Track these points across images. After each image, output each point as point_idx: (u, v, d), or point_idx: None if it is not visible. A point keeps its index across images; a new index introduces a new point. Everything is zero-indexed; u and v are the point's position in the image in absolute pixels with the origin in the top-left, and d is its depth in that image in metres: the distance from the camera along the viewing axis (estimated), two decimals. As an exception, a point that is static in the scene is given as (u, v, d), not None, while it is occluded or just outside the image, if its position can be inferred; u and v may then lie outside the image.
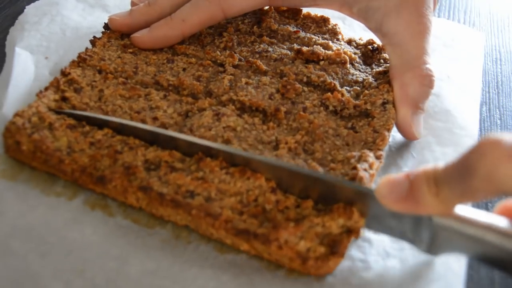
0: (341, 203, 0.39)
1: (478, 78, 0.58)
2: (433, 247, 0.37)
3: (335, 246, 0.38)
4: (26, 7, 0.62)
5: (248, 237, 0.38)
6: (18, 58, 0.54)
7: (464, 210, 0.36)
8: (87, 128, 0.45)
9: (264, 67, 0.52)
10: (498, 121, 0.56)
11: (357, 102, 0.49)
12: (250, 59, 0.53)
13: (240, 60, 0.53)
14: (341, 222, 0.39)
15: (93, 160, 0.43)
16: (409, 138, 0.49)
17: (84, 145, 0.44)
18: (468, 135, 0.50)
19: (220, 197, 0.40)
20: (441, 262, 0.39)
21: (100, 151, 0.43)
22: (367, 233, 0.42)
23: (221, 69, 0.52)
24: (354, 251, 0.41)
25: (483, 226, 0.35)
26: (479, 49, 0.61)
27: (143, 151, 0.43)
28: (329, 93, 0.49)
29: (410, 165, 0.47)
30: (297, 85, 0.50)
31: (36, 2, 0.63)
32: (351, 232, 0.38)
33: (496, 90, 0.60)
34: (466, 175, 0.32)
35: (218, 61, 0.53)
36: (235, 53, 0.54)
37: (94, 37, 0.55)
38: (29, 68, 0.54)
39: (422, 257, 0.40)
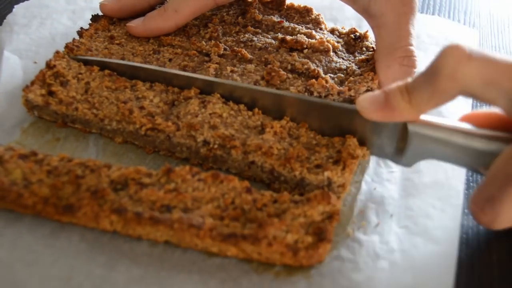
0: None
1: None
2: (407, 156, 0.42)
3: (321, 233, 0.38)
4: (15, 6, 0.61)
5: (236, 241, 0.38)
6: (6, 63, 0.54)
7: (432, 118, 0.41)
8: (40, 156, 0.43)
9: (249, 56, 0.52)
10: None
11: (341, 88, 0.49)
12: (235, 48, 0.53)
13: (225, 49, 0.53)
14: (321, 209, 0.40)
15: (55, 189, 0.40)
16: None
17: (41, 174, 0.41)
18: None
19: (197, 206, 0.40)
20: (430, 267, 0.39)
21: (60, 179, 0.41)
22: (357, 234, 0.41)
23: (206, 58, 0.53)
24: (344, 251, 0.40)
25: (450, 129, 0.40)
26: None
27: (106, 171, 0.42)
28: (313, 80, 0.49)
29: (401, 167, 0.47)
30: (282, 72, 0.50)
31: (26, 2, 0.63)
32: (332, 217, 0.39)
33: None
34: (432, 77, 0.37)
35: (204, 51, 0.53)
36: (220, 42, 0.54)
37: (82, 28, 0.55)
38: (17, 74, 0.54)
39: (412, 260, 0.40)
